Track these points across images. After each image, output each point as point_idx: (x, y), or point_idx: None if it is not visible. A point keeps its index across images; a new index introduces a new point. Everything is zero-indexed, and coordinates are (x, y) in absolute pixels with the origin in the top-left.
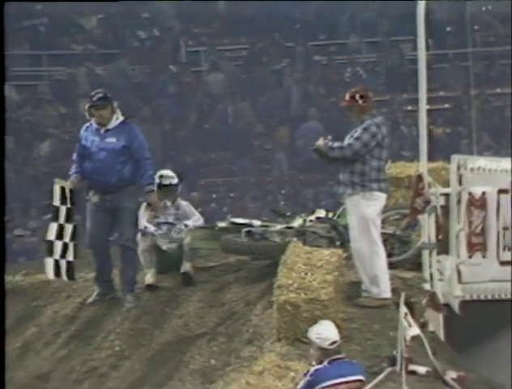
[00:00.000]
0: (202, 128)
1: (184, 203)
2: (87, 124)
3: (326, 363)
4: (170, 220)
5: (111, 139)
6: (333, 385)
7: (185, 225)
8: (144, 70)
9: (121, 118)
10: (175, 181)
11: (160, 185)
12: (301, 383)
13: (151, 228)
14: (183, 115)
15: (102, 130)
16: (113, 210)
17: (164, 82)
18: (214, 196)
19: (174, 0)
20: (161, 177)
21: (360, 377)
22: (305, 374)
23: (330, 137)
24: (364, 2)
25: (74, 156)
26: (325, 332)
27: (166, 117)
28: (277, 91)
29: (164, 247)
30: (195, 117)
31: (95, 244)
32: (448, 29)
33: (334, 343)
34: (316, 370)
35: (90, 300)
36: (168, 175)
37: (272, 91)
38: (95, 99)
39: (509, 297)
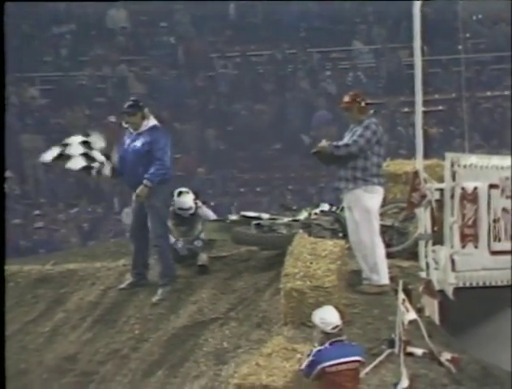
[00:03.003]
0: (222, 128)
1: (199, 206)
2: None
3: (327, 344)
4: (188, 222)
5: (137, 143)
6: (333, 365)
7: (202, 240)
8: (172, 75)
9: (151, 123)
10: (191, 211)
11: (177, 214)
12: (304, 363)
13: (171, 240)
14: (208, 116)
15: (134, 134)
16: (144, 207)
17: (186, 85)
18: (227, 190)
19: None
20: (179, 209)
21: (359, 358)
22: (308, 355)
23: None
24: (365, 11)
25: None
26: (328, 317)
27: (194, 117)
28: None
29: (181, 253)
30: (218, 117)
31: (131, 236)
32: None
33: (336, 327)
34: (318, 351)
35: (122, 285)
36: (184, 207)
37: (280, 96)
38: (126, 106)
39: (499, 284)
